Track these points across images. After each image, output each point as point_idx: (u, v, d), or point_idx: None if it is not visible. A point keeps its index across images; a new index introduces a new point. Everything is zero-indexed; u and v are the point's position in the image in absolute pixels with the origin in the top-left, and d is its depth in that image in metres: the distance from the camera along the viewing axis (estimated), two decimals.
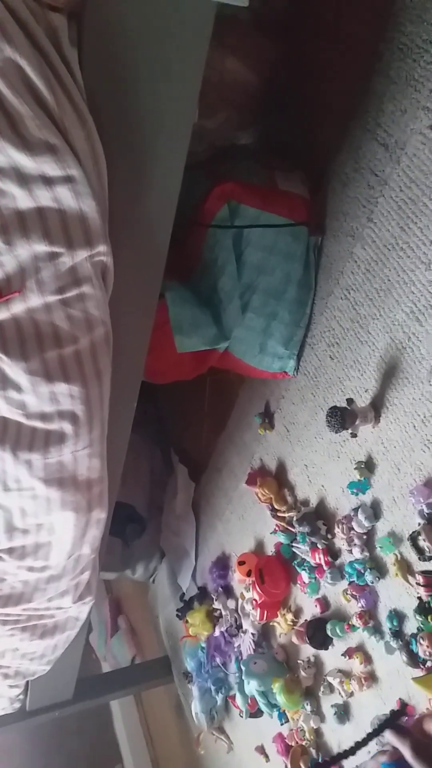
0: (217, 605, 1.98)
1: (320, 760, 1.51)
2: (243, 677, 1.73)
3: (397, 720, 0.80)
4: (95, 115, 0.82)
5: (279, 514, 1.61)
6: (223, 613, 1.96)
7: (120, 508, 1.65)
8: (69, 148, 0.80)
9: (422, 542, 1.14)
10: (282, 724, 1.66)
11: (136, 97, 0.84)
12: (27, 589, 1.31)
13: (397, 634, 1.24)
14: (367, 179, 1.22)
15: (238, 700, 1.83)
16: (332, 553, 1.44)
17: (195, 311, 1.39)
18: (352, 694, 1.40)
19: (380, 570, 1.29)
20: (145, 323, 1.13)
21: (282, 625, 1.64)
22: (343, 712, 1.43)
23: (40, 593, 1.33)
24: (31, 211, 0.84)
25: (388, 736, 0.77)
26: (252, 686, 1.68)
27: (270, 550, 1.72)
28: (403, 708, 1.20)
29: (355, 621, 1.34)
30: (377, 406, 1.26)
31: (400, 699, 1.24)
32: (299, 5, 1.37)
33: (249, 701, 1.78)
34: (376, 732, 0.79)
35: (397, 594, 1.25)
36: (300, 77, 1.43)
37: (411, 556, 1.21)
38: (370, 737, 0.80)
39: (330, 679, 1.45)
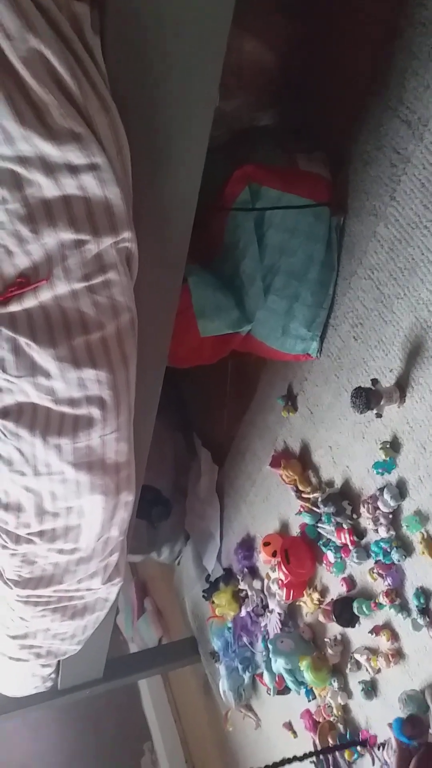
0: (242, 586, 2.00)
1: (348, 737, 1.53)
2: (270, 655, 1.76)
3: None
4: (118, 101, 0.82)
5: (304, 495, 1.62)
6: (249, 593, 1.98)
7: (145, 491, 1.68)
8: (93, 136, 0.81)
9: None
10: (309, 701, 1.69)
11: (158, 83, 0.84)
12: (57, 570, 1.34)
13: (424, 611, 1.25)
14: (390, 157, 1.21)
15: (266, 677, 1.86)
16: (358, 532, 1.45)
17: (217, 295, 1.39)
18: (379, 671, 1.41)
19: (406, 548, 1.30)
20: (169, 308, 1.14)
21: (308, 605, 1.66)
22: (371, 688, 1.45)
23: (70, 575, 1.35)
24: (57, 200, 0.85)
25: None
26: (279, 664, 1.70)
27: (295, 530, 1.73)
28: None
29: (382, 599, 1.35)
30: (402, 386, 1.26)
31: None
32: None
33: (276, 679, 1.81)
34: None
35: (423, 572, 1.26)
36: (319, 56, 1.41)
37: None
38: None
39: (357, 656, 1.46)
